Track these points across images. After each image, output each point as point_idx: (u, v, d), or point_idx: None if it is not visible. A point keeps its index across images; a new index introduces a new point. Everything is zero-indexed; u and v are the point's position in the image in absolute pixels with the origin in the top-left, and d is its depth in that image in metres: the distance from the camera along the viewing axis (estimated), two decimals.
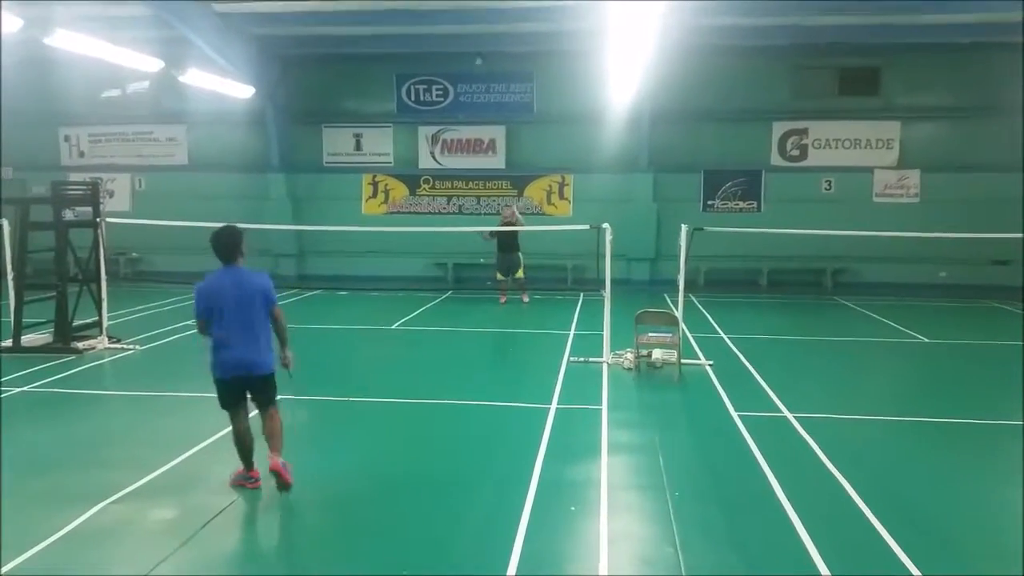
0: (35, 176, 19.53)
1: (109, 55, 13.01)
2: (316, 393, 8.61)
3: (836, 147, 18.49)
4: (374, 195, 19.74)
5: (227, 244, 5.65)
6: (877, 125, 18.28)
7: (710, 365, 9.87)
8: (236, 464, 5.89)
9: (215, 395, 5.77)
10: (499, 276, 15.63)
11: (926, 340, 12.14)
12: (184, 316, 12.82)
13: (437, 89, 19.27)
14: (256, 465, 5.82)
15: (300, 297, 16.65)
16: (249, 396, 5.81)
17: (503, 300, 15.62)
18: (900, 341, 12.17)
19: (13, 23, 10.57)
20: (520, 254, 15.40)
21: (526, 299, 15.62)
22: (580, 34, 15.69)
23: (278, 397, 5.89)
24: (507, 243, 15.20)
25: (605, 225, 10.01)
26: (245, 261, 5.76)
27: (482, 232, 15.85)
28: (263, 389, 5.75)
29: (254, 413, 5.84)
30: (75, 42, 12.02)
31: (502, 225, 15.29)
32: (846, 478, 5.97)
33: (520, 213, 16.57)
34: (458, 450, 6.89)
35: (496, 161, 19.38)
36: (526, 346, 12.19)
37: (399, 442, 7.11)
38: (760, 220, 18.11)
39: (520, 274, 15.47)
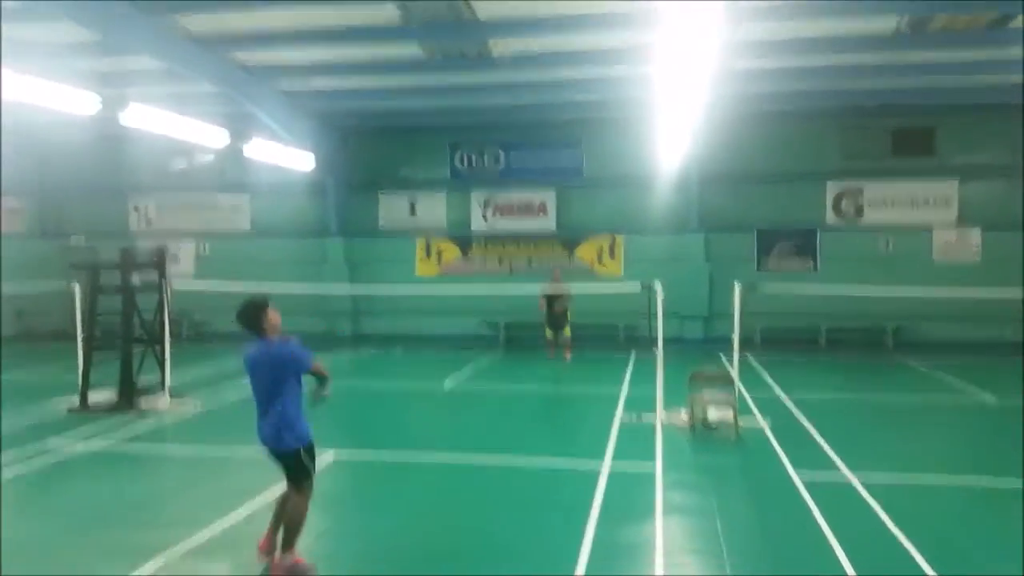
0: (105, 243, 20.38)
1: (178, 130, 13.70)
2: (369, 454, 8.69)
3: (893, 206, 18.24)
4: (427, 257, 20.09)
5: (245, 319, 5.48)
6: (934, 184, 18.02)
7: (768, 425, 9.63)
8: None
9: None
10: (548, 333, 16.02)
11: (994, 400, 11.66)
12: (244, 377, 13.08)
13: (489, 155, 19.72)
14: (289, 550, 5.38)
15: (355, 356, 16.87)
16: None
17: (551, 355, 15.99)
18: (966, 402, 11.71)
19: (92, 103, 11.21)
20: (567, 313, 15.78)
21: (568, 356, 15.88)
22: (627, 103, 16.03)
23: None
24: (559, 305, 15.64)
25: (656, 283, 9.98)
26: (274, 332, 5.48)
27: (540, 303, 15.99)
28: (282, 466, 5.41)
29: None
30: (147, 119, 12.71)
31: (551, 286, 15.68)
32: (915, 546, 5.71)
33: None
34: (509, 511, 6.81)
35: (547, 223, 19.63)
36: (578, 405, 12.09)
37: (450, 503, 7.08)
38: (817, 279, 17.84)
39: (567, 332, 15.87)
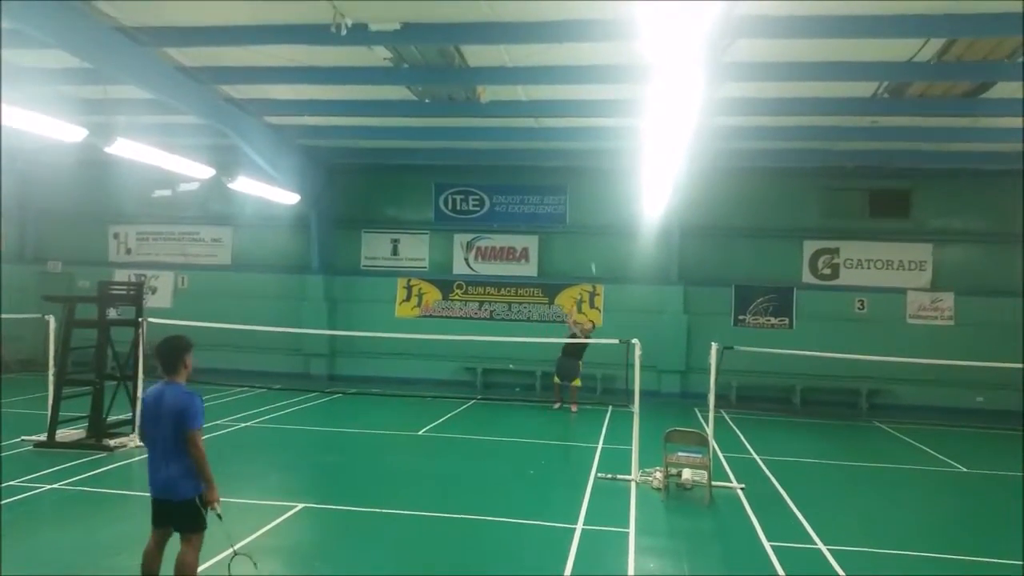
0: (83, 271, 20.30)
1: (164, 162, 13.69)
2: (333, 502, 8.59)
3: (868, 267, 18.52)
4: (408, 298, 20.06)
5: (166, 354, 5.40)
6: (909, 247, 18.34)
7: (742, 488, 9.64)
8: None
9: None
10: (556, 380, 16.04)
11: (964, 469, 11.77)
12: (215, 415, 12.94)
13: (474, 199, 19.87)
14: None
15: (330, 398, 16.71)
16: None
17: (557, 405, 15.93)
18: (938, 469, 11.80)
19: (77, 133, 11.20)
20: (581, 363, 15.75)
21: (574, 409, 15.71)
22: (612, 153, 16.28)
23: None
24: (571, 350, 15.54)
25: (634, 341, 10.03)
26: (185, 377, 5.44)
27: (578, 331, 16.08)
28: (177, 517, 5.32)
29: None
30: (134, 151, 12.70)
31: (573, 333, 15.87)
32: None
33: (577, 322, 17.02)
34: (479, 571, 6.72)
35: (528, 269, 19.70)
36: (553, 459, 12.01)
37: (419, 559, 6.98)
38: (792, 337, 17.98)
39: (576, 383, 15.79)
